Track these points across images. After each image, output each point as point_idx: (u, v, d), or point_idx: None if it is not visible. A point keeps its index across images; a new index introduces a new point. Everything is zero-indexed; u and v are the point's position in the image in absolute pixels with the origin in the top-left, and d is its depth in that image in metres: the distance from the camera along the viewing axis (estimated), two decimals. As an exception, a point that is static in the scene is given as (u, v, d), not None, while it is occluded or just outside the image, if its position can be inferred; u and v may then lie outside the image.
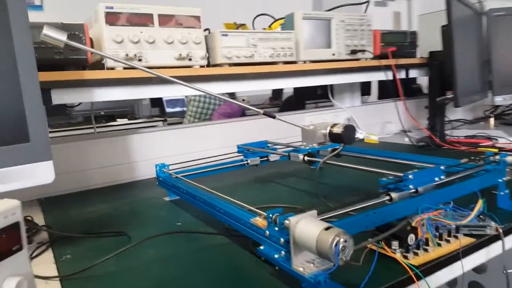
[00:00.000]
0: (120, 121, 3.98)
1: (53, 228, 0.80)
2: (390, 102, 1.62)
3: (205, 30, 1.16)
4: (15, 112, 0.63)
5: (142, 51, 0.97)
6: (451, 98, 1.31)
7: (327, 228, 0.44)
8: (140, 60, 0.97)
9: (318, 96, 2.60)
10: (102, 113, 4.00)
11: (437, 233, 0.61)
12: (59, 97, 0.89)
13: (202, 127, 1.34)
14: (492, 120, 1.87)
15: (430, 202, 0.65)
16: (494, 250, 0.65)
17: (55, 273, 0.60)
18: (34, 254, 0.68)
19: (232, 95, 3.99)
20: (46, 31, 0.59)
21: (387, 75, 1.55)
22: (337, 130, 0.79)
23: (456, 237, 0.62)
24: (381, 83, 1.70)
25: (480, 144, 1.33)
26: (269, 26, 1.42)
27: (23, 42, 0.61)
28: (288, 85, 1.30)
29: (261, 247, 0.54)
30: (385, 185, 0.65)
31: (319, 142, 0.84)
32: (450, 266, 0.59)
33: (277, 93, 4.66)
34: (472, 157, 0.82)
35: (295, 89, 2.96)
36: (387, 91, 1.55)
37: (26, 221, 0.79)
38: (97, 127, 3.57)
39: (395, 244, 0.58)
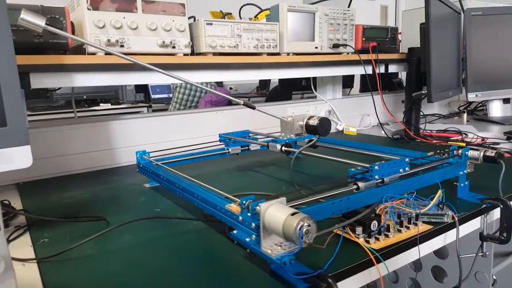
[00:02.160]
0: (103, 106, 3.94)
1: (30, 212, 0.81)
2: (370, 96, 1.66)
3: (190, 18, 1.17)
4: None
5: (124, 37, 0.98)
6: (425, 93, 1.35)
7: (293, 214, 0.47)
8: (122, 46, 0.98)
9: (303, 88, 2.64)
10: (85, 97, 3.96)
11: (399, 221, 0.66)
12: (38, 81, 0.89)
13: (186, 115, 1.36)
14: (465, 116, 1.94)
15: (394, 192, 0.69)
16: (450, 236, 0.70)
17: (32, 256, 0.62)
18: (11, 238, 0.69)
19: (219, 83, 4.00)
20: (23, 15, 0.60)
21: (367, 69, 1.59)
22: (313, 122, 0.82)
23: (416, 224, 0.66)
24: (363, 76, 1.74)
25: (451, 138, 1.39)
26: (255, 17, 1.44)
27: (1, 25, 0.62)
28: (271, 76, 1.32)
29: (235, 232, 0.57)
30: (353, 175, 0.69)
31: (296, 133, 0.87)
32: (408, 251, 0.63)
33: (264, 83, 4.69)
34: (438, 151, 0.87)
35: (280, 80, 2.99)
36: (369, 85, 1.59)
37: (3, 205, 0.80)
38: (78, 111, 3.55)
39: (359, 230, 0.62)
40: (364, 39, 1.50)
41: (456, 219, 0.70)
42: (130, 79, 1.02)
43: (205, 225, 0.72)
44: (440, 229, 0.68)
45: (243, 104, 0.82)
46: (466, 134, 1.44)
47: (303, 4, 1.33)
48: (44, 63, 0.87)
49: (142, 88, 4.24)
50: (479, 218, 0.79)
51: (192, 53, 1.14)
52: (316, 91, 1.78)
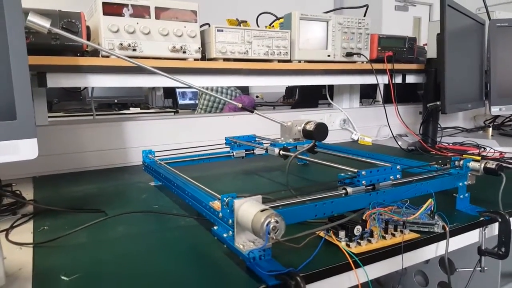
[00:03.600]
0: (132, 109, 4.08)
1: (38, 203, 0.87)
2: (389, 106, 1.64)
3: (204, 24, 1.22)
4: (4, 92, 0.69)
5: (137, 41, 1.02)
6: (440, 104, 1.33)
7: (262, 210, 0.49)
8: (134, 50, 1.02)
9: (323, 96, 2.64)
10: (116, 101, 4.11)
11: (385, 227, 0.65)
12: (54, 81, 0.95)
13: (198, 119, 1.40)
14: (490, 130, 1.88)
15: (384, 199, 0.69)
16: (442, 248, 0.68)
17: (30, 241, 0.66)
18: (16, 224, 0.74)
19: (244, 91, 4.04)
20: (30, 17, 0.65)
21: (383, 80, 1.58)
22: (309, 127, 0.83)
23: (402, 232, 0.65)
24: (387, 87, 1.73)
25: (467, 152, 1.35)
26: (270, 25, 1.47)
27: (15, 27, 0.67)
28: (282, 83, 1.34)
29: (215, 227, 0.59)
30: (341, 180, 0.69)
31: (294, 138, 0.89)
32: (392, 258, 0.63)
33: (291, 92, 4.70)
34: (440, 161, 0.85)
35: (301, 88, 3.00)
36: (381, 95, 1.58)
37: (15, 195, 0.86)
38: (109, 114, 3.69)
39: (342, 233, 0.62)
40: (379, 48, 1.49)
41: (447, 229, 0.68)
42: (141, 81, 1.07)
43: (196, 222, 0.74)
44: (429, 239, 0.67)
45: (241, 108, 0.84)
46: (484, 148, 1.40)
47: (315, 12, 1.34)
48: (60, 64, 0.93)
49: (170, 94, 4.36)
50: (477, 231, 0.77)
51: (204, 59, 1.18)
52: (332, 100, 1.78)
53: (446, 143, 1.51)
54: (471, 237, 0.77)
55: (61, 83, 0.97)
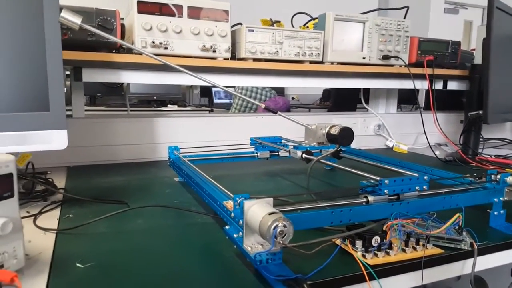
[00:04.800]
0: (170, 107, 4.18)
1: (69, 191, 0.90)
2: (428, 113, 1.57)
3: (236, 24, 1.22)
4: (39, 85, 0.72)
5: (168, 39, 1.04)
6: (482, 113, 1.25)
7: (271, 213, 0.47)
8: (166, 48, 1.04)
9: (359, 100, 2.56)
10: (155, 98, 4.23)
11: (406, 240, 0.62)
12: (89, 76, 0.99)
13: (228, 118, 1.40)
14: (541, 143, 1.76)
15: (409, 210, 0.66)
16: (467, 266, 0.64)
17: (55, 227, 0.69)
18: (45, 210, 0.77)
19: (280, 92, 4.02)
20: (63, 13, 0.67)
21: (422, 85, 1.52)
22: (334, 131, 0.81)
23: (425, 246, 0.62)
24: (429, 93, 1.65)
25: (510, 166, 1.27)
26: (305, 25, 1.44)
27: (52, 23, 0.70)
28: (313, 84, 1.31)
29: (227, 227, 0.59)
30: (363, 187, 0.67)
31: (318, 141, 0.86)
32: (411, 273, 0.59)
33: (328, 94, 4.62)
34: (474, 174, 0.80)
35: (336, 91, 2.93)
36: (417, 100, 1.51)
37: (46, 182, 0.89)
38: (148, 110, 3.80)
39: (358, 243, 0.60)
40: (419, 52, 1.43)
41: (476, 247, 0.64)
42: (172, 79, 1.08)
43: (212, 220, 0.74)
44: (455, 256, 0.63)
45: (265, 108, 0.83)
46: (529, 162, 1.30)
47: (351, 13, 1.30)
48: (95, 60, 0.96)
49: (206, 93, 4.42)
50: (510, 251, 0.72)
51: (234, 58, 1.18)
52: (367, 104, 1.73)
53: (488, 155, 1.42)
54: (504, 257, 0.71)
55: (96, 78, 1.00)
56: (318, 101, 4.77)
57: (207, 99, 4.61)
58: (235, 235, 0.55)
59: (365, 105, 1.72)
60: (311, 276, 0.53)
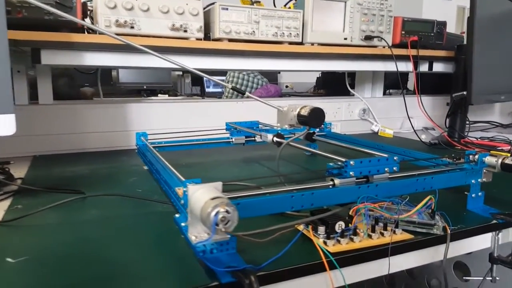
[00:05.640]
0: (161, 96, 4.11)
1: (27, 181, 0.85)
2: (414, 97, 1.52)
3: (211, 4, 1.16)
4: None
5: (135, 18, 0.98)
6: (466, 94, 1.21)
7: (213, 198, 0.43)
8: (132, 27, 0.98)
9: (351, 86, 2.50)
10: (145, 87, 4.15)
11: (375, 225, 0.58)
12: (49, 58, 0.93)
13: (208, 103, 1.36)
14: (530, 126, 1.72)
15: (378, 193, 0.61)
16: (438, 252, 0.60)
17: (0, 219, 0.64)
18: (-5, 201, 0.73)
19: (273, 80, 3.95)
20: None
21: (407, 67, 1.47)
22: (304, 112, 0.76)
23: (394, 232, 0.58)
24: (422, 76, 1.58)
25: (496, 148, 1.22)
26: (286, 5, 1.39)
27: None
28: (292, 67, 1.26)
29: (177, 215, 0.54)
30: (329, 169, 0.62)
31: (290, 123, 0.81)
32: (378, 261, 0.55)
33: (322, 82, 4.55)
34: (452, 155, 0.76)
35: (324, 77, 2.88)
36: (424, 84, 1.45)
37: (3, 172, 0.85)
38: (138, 99, 3.73)
39: (321, 229, 0.56)
40: (403, 32, 1.38)
41: (449, 232, 0.60)
42: (139, 61, 1.03)
43: (173, 209, 0.69)
44: (426, 241, 0.59)
45: (232, 88, 0.78)
46: (516, 144, 1.26)
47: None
48: (53, 40, 0.90)
49: (198, 82, 4.35)
50: (489, 235, 0.68)
51: (209, 40, 1.12)
52: (353, 89, 1.68)
53: (474, 137, 1.38)
54: (481, 242, 0.67)
55: (56, 60, 0.94)
56: (312, 89, 4.70)
57: (199, 88, 4.54)
58: (183, 224, 0.51)
59: (350, 89, 1.67)
60: (265, 266, 0.49)
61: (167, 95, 4.19)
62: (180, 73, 4.01)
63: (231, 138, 1.03)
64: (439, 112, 1.71)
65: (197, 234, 0.47)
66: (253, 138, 1.04)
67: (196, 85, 4.55)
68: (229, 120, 1.10)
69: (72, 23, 0.92)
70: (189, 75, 4.49)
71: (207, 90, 4.35)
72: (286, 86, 4.67)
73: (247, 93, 0.78)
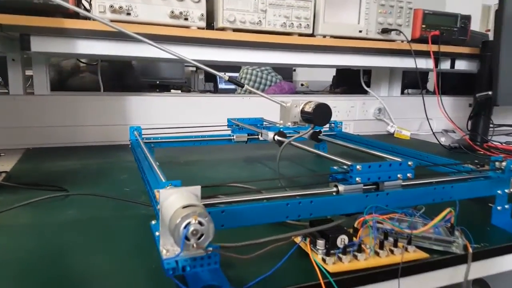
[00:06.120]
0: (174, 92, 4.07)
1: (12, 176, 0.80)
2: (434, 97, 1.42)
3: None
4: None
5: (131, 4, 0.92)
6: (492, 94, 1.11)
7: (185, 206, 0.36)
8: (129, 14, 0.92)
9: (368, 84, 2.39)
10: (157, 82, 4.12)
11: (383, 240, 0.50)
12: (39, 45, 0.87)
13: (213, 98, 1.28)
14: None
15: (389, 203, 0.53)
16: (457, 273, 0.51)
17: (-32, 217, 0.58)
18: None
19: (287, 78, 3.86)
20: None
21: (427, 64, 1.37)
22: (308, 108, 0.68)
23: (406, 249, 0.49)
24: (442, 76, 1.48)
25: (524, 154, 1.12)
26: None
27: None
28: (301, 61, 1.18)
29: (153, 222, 0.47)
30: (333, 174, 0.54)
31: (293, 121, 0.73)
32: (383, 283, 0.47)
33: (338, 80, 4.43)
34: (476, 161, 0.67)
35: (338, 74, 2.77)
36: (446, 84, 1.35)
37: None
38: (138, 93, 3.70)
39: (320, 243, 0.48)
40: (424, 26, 1.28)
41: (470, 250, 0.51)
42: (136, 50, 0.96)
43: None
44: (443, 261, 0.51)
45: (228, 80, 0.70)
46: (546, 151, 1.15)
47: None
48: (43, 25, 0.84)
49: (211, 78, 4.29)
50: (516, 254, 0.59)
51: (212, 29, 1.05)
52: (368, 87, 1.59)
53: (499, 142, 1.28)
54: (507, 263, 0.58)
55: (47, 48, 0.89)
56: (328, 87, 4.58)
57: (212, 85, 4.48)
58: (157, 233, 0.43)
59: (365, 87, 1.58)
60: (251, 286, 0.42)
61: (180, 91, 4.16)
62: (194, 69, 3.97)
63: (233, 136, 0.96)
64: (460, 113, 1.60)
65: (170, 248, 0.40)
66: (256, 136, 0.96)
67: (210, 81, 4.50)
68: (235, 115, 1.02)
69: (65, 8, 0.86)
70: (203, 71, 4.44)
71: (220, 86, 4.29)
72: (302, 84, 4.57)
73: (246, 86, 0.71)
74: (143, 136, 0.90)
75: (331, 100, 1.44)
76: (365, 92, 1.62)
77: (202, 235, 0.35)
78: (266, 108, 1.09)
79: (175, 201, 0.37)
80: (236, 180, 0.78)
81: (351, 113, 1.47)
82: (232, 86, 4.32)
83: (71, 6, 0.68)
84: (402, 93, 1.76)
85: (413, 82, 2.18)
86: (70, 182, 0.76)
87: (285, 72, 3.57)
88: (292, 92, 2.99)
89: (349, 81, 2.69)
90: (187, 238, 0.34)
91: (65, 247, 0.51)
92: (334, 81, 4.26)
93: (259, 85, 3.19)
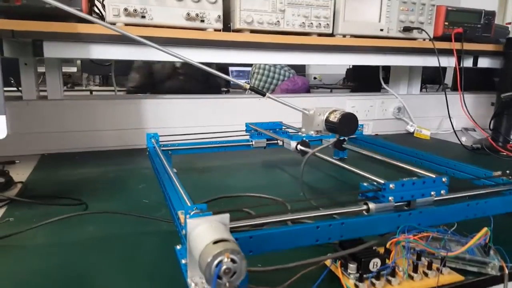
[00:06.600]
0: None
1: (28, 186, 0.79)
2: (455, 94, 1.37)
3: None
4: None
5: (146, 6, 0.89)
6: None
7: (216, 242, 0.33)
8: (143, 17, 0.90)
9: (384, 80, 2.34)
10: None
11: (416, 263, 0.47)
12: (52, 50, 0.86)
13: (230, 100, 1.26)
14: None
15: (421, 222, 0.51)
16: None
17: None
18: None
19: (300, 72, 3.81)
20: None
21: (449, 62, 1.32)
22: (333, 118, 0.65)
23: (440, 271, 0.47)
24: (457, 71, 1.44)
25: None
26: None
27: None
28: (321, 61, 1.14)
29: (178, 247, 0.45)
30: (364, 192, 0.52)
31: (316, 129, 0.71)
32: (420, 310, 0.45)
33: (352, 74, 4.34)
34: (508, 171, 0.64)
35: (356, 70, 2.72)
36: (465, 78, 1.31)
37: (4, 175, 0.78)
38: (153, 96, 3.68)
39: (352, 267, 0.46)
40: (447, 23, 1.23)
41: (506, 271, 0.49)
42: (150, 54, 0.94)
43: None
44: (479, 283, 0.48)
45: (250, 89, 0.68)
46: None
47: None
48: (56, 31, 0.83)
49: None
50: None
51: (228, 30, 1.02)
52: (387, 84, 1.55)
53: (524, 143, 1.23)
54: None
55: (60, 53, 0.87)
56: (341, 81, 4.50)
57: (223, 81, 4.44)
58: (183, 261, 0.42)
59: (384, 85, 1.54)
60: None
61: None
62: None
63: (251, 141, 0.93)
64: (482, 111, 1.55)
65: (199, 280, 0.38)
66: (275, 142, 0.94)
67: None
68: (252, 117, 1.00)
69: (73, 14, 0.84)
70: (214, 67, 4.40)
71: (232, 83, 4.25)
72: (314, 78, 4.51)
73: (267, 94, 0.68)
74: (160, 143, 0.88)
75: (349, 100, 1.41)
76: (380, 88, 1.58)
77: (234, 273, 0.33)
78: (284, 108, 1.06)
79: (205, 233, 0.35)
80: (257, 189, 0.76)
81: (370, 113, 1.44)
82: (243, 81, 4.28)
83: (78, 13, 0.66)
84: (420, 89, 1.71)
85: (429, 77, 2.12)
86: (87, 193, 0.75)
87: (298, 66, 3.51)
88: (305, 87, 2.94)
89: (365, 76, 2.64)
90: (219, 277, 0.32)
91: (83, 270, 0.49)
92: (348, 74, 4.18)
93: (272, 80, 3.15)
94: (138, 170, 0.92)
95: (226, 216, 0.39)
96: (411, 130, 1.49)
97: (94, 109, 1.10)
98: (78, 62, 3.03)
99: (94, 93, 3.28)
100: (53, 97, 1.07)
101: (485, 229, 0.49)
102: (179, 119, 1.17)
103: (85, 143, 1.09)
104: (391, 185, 0.49)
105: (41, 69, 1.12)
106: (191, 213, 0.43)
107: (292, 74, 3.20)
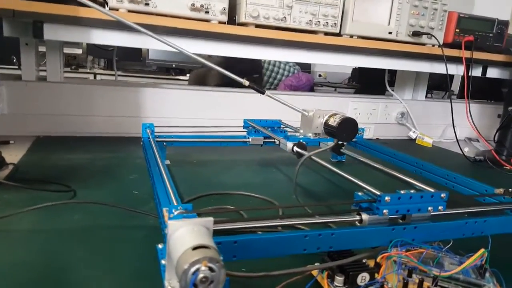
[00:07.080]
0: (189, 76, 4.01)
1: (20, 168, 0.78)
2: (461, 103, 1.35)
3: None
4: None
5: (151, -6, 0.87)
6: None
7: (196, 247, 0.32)
8: (147, 4, 0.87)
9: (389, 83, 2.31)
10: (174, 65, 4.07)
11: (406, 280, 0.45)
12: (52, 32, 0.84)
13: (231, 93, 1.23)
14: None
15: (415, 237, 0.49)
16: (488, 322, 0.47)
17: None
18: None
19: (305, 69, 3.78)
20: None
21: (457, 70, 1.30)
22: (333, 122, 0.63)
23: (431, 293, 0.45)
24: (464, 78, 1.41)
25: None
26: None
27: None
28: (326, 61, 1.12)
29: (160, 246, 0.44)
30: (358, 202, 0.50)
31: (315, 132, 0.69)
32: (407, 331, 0.43)
33: (357, 74, 4.30)
34: (510, 190, 0.62)
35: (360, 69, 2.69)
36: (449, 87, 1.29)
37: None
38: (166, 78, 3.66)
39: (339, 279, 0.44)
40: (457, 30, 1.20)
41: (503, 297, 0.47)
42: (151, 43, 0.91)
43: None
44: (469, 307, 0.46)
45: (249, 86, 0.66)
46: None
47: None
48: (58, 13, 0.81)
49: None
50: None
51: (234, 23, 1.00)
52: (392, 88, 1.52)
53: (528, 157, 1.21)
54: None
55: (60, 36, 0.85)
56: (346, 80, 4.46)
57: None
58: (163, 261, 0.40)
59: (389, 89, 1.51)
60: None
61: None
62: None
63: (248, 138, 0.92)
64: (487, 122, 1.53)
65: (176, 284, 0.36)
66: (272, 140, 0.92)
67: (227, 68, 4.43)
68: (251, 112, 0.98)
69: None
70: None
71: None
72: (319, 75, 4.47)
73: (267, 92, 0.66)
74: (155, 133, 0.86)
75: (352, 102, 1.39)
76: (384, 91, 1.55)
77: (211, 282, 0.31)
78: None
79: (185, 238, 0.34)
80: (250, 187, 0.75)
81: (372, 116, 1.41)
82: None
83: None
84: (426, 95, 1.69)
85: (435, 83, 2.09)
86: (77, 179, 0.74)
87: (304, 62, 3.48)
88: (309, 84, 2.92)
89: (371, 77, 2.61)
90: (195, 285, 0.30)
91: (64, 260, 0.48)
92: (354, 74, 4.13)
93: (276, 75, 3.12)
94: (131, 160, 0.91)
95: (210, 220, 0.37)
96: (413, 136, 1.47)
97: (93, 94, 1.08)
98: (84, 44, 3.02)
99: (97, 76, 3.26)
100: (52, 79, 1.05)
101: (482, 250, 0.47)
102: (179, 109, 1.16)
103: (81, 128, 1.07)
104: (386, 198, 0.47)
105: (44, 49, 1.10)
106: (175, 213, 0.42)
107: (297, 70, 3.17)
